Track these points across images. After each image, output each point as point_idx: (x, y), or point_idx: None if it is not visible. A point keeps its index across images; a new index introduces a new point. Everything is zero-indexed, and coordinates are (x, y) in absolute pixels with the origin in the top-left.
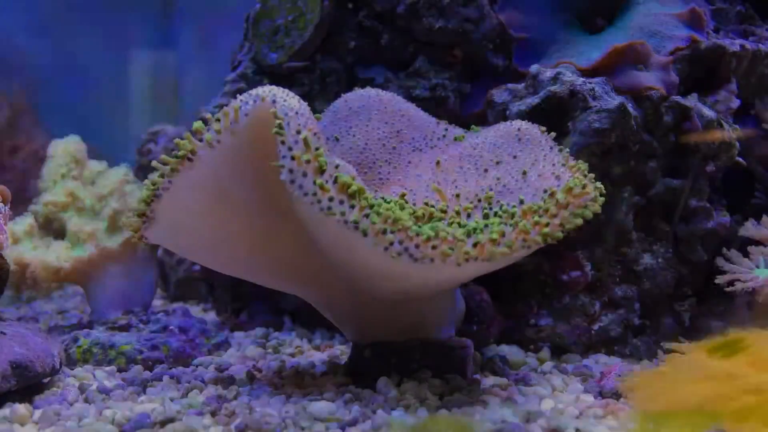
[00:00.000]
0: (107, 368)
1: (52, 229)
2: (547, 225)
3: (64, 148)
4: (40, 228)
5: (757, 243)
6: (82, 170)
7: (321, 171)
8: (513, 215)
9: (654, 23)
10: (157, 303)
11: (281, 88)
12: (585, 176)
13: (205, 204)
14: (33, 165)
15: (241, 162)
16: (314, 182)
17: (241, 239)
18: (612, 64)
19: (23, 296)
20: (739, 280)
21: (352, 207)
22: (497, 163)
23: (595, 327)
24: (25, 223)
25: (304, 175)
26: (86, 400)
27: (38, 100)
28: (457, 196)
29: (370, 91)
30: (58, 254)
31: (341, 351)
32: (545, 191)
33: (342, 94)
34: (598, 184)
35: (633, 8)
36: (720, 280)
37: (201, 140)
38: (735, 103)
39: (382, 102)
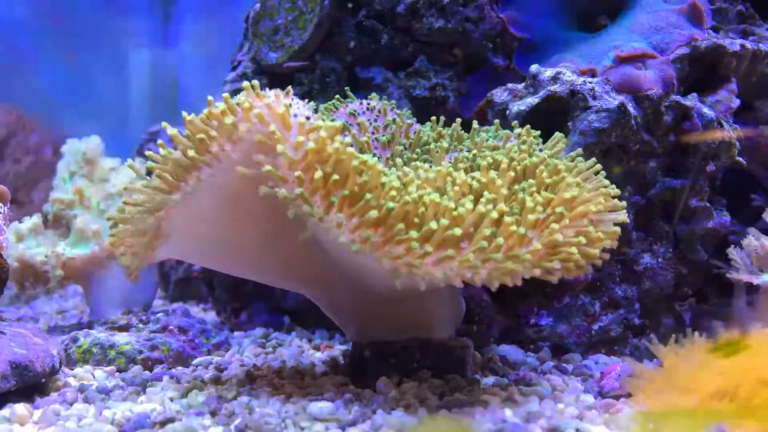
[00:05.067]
0: (107, 368)
1: (62, 226)
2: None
3: (76, 148)
4: (50, 226)
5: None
6: (93, 169)
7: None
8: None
9: (656, 19)
10: (157, 303)
11: (295, 98)
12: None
13: (217, 211)
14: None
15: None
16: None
17: (248, 242)
18: None
19: (23, 296)
20: (746, 281)
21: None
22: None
23: (595, 327)
24: (30, 221)
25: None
26: (86, 400)
27: (39, 101)
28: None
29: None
30: (63, 248)
31: (341, 351)
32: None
33: (341, 94)
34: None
35: (635, 5)
36: (731, 276)
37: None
38: (735, 103)
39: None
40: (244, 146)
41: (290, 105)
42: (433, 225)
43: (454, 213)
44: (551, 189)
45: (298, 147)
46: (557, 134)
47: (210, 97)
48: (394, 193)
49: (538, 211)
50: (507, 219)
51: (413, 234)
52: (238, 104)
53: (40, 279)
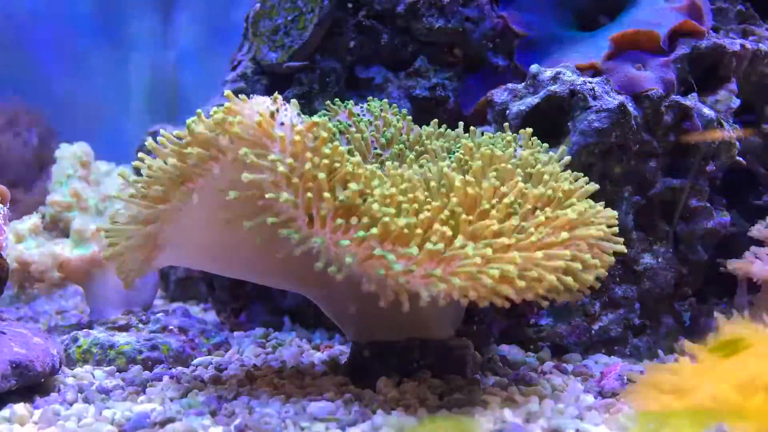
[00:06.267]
0: (107, 368)
1: (58, 229)
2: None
3: (71, 151)
4: (47, 229)
5: (764, 244)
6: (89, 172)
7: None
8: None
9: (654, 16)
10: (157, 303)
11: (284, 104)
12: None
13: (212, 219)
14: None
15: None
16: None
17: (245, 246)
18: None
19: (23, 296)
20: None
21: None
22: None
23: (595, 327)
24: (29, 221)
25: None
26: (86, 400)
27: (38, 100)
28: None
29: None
30: (62, 248)
31: (341, 351)
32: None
33: (341, 94)
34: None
35: (635, 5)
36: (730, 265)
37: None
38: (735, 103)
39: None
40: (231, 158)
41: (277, 112)
42: (421, 246)
43: (447, 232)
44: (553, 206)
45: (277, 162)
46: (562, 148)
47: (199, 110)
48: (380, 203)
49: (539, 233)
50: (503, 240)
51: (391, 257)
52: (222, 117)
53: (40, 280)
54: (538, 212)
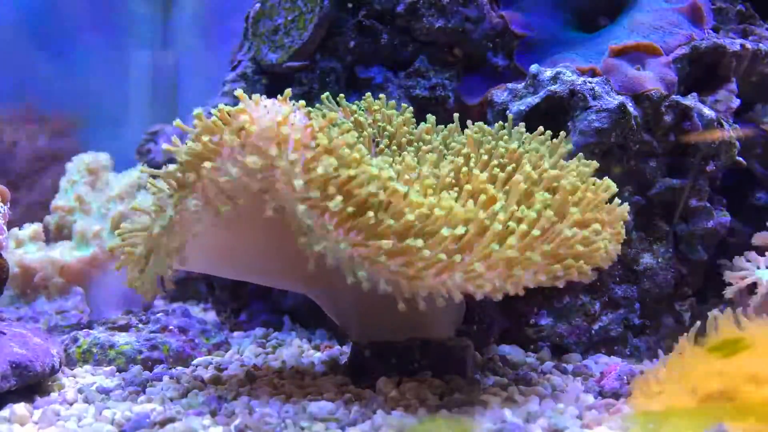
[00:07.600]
0: (107, 368)
1: (63, 235)
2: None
3: (81, 159)
4: (53, 235)
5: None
6: (96, 179)
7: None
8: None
9: (656, 19)
10: (157, 303)
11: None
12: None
13: (220, 223)
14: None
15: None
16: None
17: (251, 248)
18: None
19: (23, 297)
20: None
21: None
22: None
23: (595, 327)
24: (30, 228)
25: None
26: (86, 400)
27: (38, 101)
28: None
29: None
30: (62, 252)
31: (341, 351)
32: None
33: (341, 94)
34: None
35: (635, 5)
36: (728, 293)
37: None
38: (735, 103)
39: None
40: (243, 163)
41: (289, 115)
42: (446, 232)
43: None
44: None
45: (295, 164)
46: (562, 134)
47: (199, 110)
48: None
49: (549, 215)
50: (521, 225)
51: (419, 242)
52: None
53: (41, 285)
54: (547, 198)
